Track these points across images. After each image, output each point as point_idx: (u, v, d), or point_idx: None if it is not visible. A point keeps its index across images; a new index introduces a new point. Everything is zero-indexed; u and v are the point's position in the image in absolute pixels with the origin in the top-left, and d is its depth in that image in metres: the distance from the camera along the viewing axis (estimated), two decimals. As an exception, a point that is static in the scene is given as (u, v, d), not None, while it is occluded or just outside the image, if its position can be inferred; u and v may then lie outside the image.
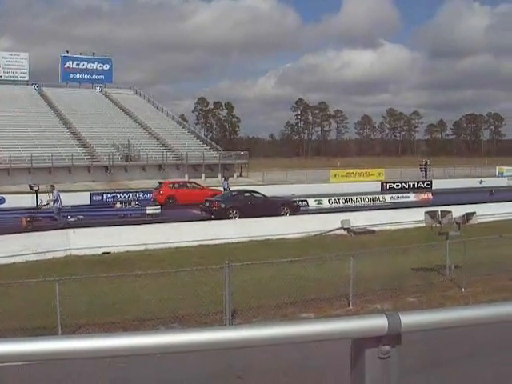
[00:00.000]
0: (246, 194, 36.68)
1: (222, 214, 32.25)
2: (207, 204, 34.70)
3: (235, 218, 32.22)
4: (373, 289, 16.67)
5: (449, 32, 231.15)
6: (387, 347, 1.57)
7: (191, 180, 49.35)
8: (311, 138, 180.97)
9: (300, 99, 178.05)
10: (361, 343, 1.57)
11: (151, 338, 1.48)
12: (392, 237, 26.51)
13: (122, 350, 1.46)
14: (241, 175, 67.68)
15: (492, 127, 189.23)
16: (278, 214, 32.82)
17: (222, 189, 42.28)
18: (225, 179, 42.39)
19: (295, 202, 38.06)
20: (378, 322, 1.55)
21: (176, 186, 45.10)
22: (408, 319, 1.56)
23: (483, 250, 20.35)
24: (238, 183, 57.94)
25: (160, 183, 44.97)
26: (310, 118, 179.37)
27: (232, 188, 42.02)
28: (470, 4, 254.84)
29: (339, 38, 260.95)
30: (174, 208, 38.42)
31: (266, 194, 37.07)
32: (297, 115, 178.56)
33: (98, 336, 1.48)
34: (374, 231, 28.55)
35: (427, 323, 1.59)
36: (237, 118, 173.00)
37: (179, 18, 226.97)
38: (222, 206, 33.78)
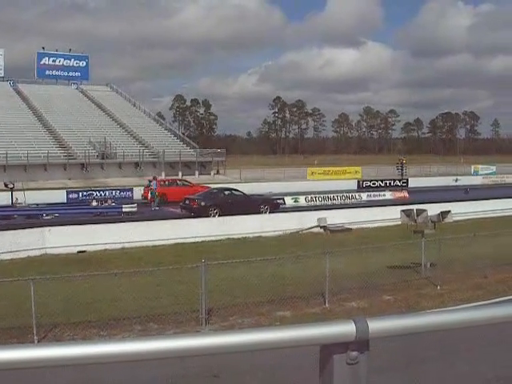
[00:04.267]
0: (226, 192, 36.62)
1: (201, 212, 32.16)
2: (187, 202, 34.58)
3: (215, 215, 32.15)
4: (349, 287, 16.74)
5: (431, 31, 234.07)
6: (355, 353, 1.58)
7: (181, 178, 49.00)
8: (288, 136, 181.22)
9: (278, 97, 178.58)
10: (329, 349, 1.58)
11: (124, 345, 1.48)
12: (368, 235, 26.65)
13: (95, 358, 1.46)
14: (218, 173, 67.59)
15: (468, 126, 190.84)
16: (257, 212, 32.93)
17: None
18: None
19: (275, 199, 38.09)
20: (345, 328, 1.55)
21: (167, 183, 45.10)
22: (376, 325, 1.57)
23: (458, 248, 20.54)
24: (215, 181, 57.84)
25: (150, 181, 44.09)
26: (288, 115, 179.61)
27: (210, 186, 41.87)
28: (452, 3, 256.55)
29: (322, 37, 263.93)
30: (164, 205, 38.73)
31: (245, 192, 37.01)
32: (274, 113, 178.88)
33: (70, 344, 1.47)
34: (350, 229, 28.67)
35: (395, 328, 1.60)
36: (214, 115, 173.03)
37: (163, 14, 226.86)
38: (202, 204, 33.64)
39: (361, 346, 1.57)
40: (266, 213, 33.89)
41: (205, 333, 1.77)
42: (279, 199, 39.74)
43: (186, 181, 47.66)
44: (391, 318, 1.62)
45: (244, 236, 26.09)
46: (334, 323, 1.57)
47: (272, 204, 36.44)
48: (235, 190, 37.35)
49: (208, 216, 31.53)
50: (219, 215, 31.76)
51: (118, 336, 13.00)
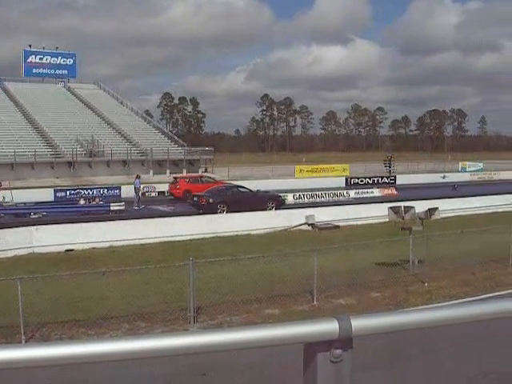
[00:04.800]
0: (234, 189, 37.35)
1: (210, 209, 32.57)
2: (195, 199, 35.06)
3: (223, 212, 32.67)
4: (337, 284, 16.79)
5: (419, 29, 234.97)
6: (339, 351, 1.58)
7: (204, 175, 49.66)
8: (276, 134, 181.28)
9: (265, 94, 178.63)
10: (313, 347, 1.58)
11: (111, 344, 1.47)
12: (356, 232, 26.72)
13: (83, 358, 1.45)
14: (206, 171, 67.53)
15: (455, 123, 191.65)
16: (264, 209, 33.37)
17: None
18: (137, 177, 41.06)
19: (280, 196, 38.38)
20: (329, 327, 1.55)
21: (191, 180, 46.00)
22: (359, 323, 1.57)
23: (446, 245, 20.62)
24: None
25: (175, 178, 46.10)
26: (276, 113, 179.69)
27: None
28: (440, 1, 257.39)
29: (311, 34, 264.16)
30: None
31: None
32: (262, 111, 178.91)
33: (57, 344, 1.47)
34: (338, 226, 28.72)
35: (378, 326, 1.61)
36: (202, 113, 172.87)
37: (152, 12, 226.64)
38: (211, 200, 34.16)
39: (344, 344, 1.57)
40: (272, 209, 34.23)
41: (188, 332, 1.78)
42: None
43: (210, 177, 48.79)
44: (374, 316, 1.63)
45: (232, 234, 26.07)
46: (318, 321, 1.57)
47: (278, 201, 36.96)
48: (241, 186, 38.35)
49: (216, 213, 31.92)
50: (227, 212, 32.26)
51: (105, 335, 12.97)
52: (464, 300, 15.55)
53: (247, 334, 1.53)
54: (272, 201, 36.47)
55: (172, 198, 41.83)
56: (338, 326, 1.55)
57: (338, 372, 1.59)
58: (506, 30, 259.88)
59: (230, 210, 31.78)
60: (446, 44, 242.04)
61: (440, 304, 14.98)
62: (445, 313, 1.72)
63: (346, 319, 1.57)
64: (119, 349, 1.47)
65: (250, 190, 37.47)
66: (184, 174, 55.34)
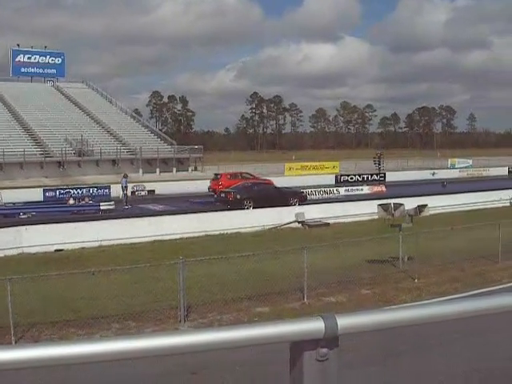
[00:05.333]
0: (259, 186, 39.09)
1: (237, 204, 33.82)
2: (223, 195, 36.66)
3: (249, 208, 33.89)
4: (327, 282, 16.81)
5: (408, 26, 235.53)
6: (325, 350, 1.58)
7: (243, 171, 50.39)
8: (266, 132, 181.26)
9: (255, 93, 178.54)
10: (299, 346, 1.58)
11: (101, 345, 1.47)
12: (346, 229, 26.76)
13: (73, 358, 1.45)
14: (195, 169, 67.50)
15: (444, 120, 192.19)
16: (287, 204, 34.21)
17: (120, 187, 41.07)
18: (124, 177, 40.89)
19: (303, 192, 39.43)
20: (314, 325, 1.55)
21: (232, 176, 46.71)
22: (345, 321, 1.57)
23: (435, 242, 20.72)
24: (192, 177, 57.84)
25: (217, 175, 48.10)
26: (265, 111, 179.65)
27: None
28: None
29: (300, 32, 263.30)
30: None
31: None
32: (251, 109, 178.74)
33: (46, 344, 1.46)
34: (328, 224, 28.76)
35: (364, 325, 1.61)
36: (191, 111, 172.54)
37: (141, 10, 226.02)
38: (238, 196, 35.52)
39: (330, 342, 1.57)
40: (295, 205, 34.75)
41: (173, 332, 1.77)
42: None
43: (249, 173, 49.58)
44: (360, 314, 1.63)
45: (222, 232, 26.07)
46: (303, 320, 1.57)
47: (300, 196, 37.98)
48: (266, 183, 40.77)
49: (243, 208, 33.04)
50: (253, 207, 33.51)
51: (96, 335, 12.94)
52: (454, 296, 15.62)
53: (233, 333, 1.53)
54: (295, 196, 37.58)
55: (213, 194, 41.74)
56: (323, 324, 1.55)
57: (324, 371, 1.59)
58: (495, 27, 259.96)
59: (256, 206, 33.01)
60: (435, 41, 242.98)
61: (428, 301, 15.04)
62: (432, 310, 1.72)
63: (331, 318, 1.56)
64: (110, 349, 1.46)
65: (275, 187, 39.32)
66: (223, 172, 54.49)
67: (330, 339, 1.56)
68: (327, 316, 1.57)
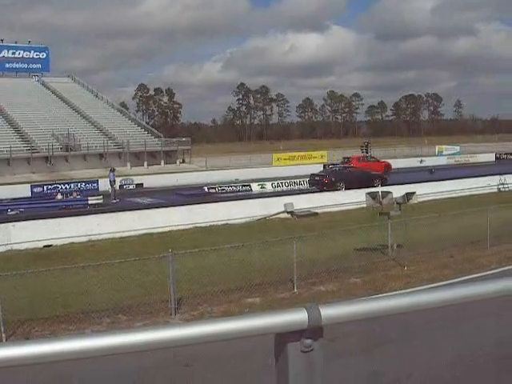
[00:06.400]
0: (347, 169, 43.27)
1: (332, 186, 37.84)
2: (317, 178, 40.79)
3: (342, 189, 37.45)
4: (317, 271, 16.84)
5: (395, 14, 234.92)
6: (309, 341, 1.58)
7: (366, 155, 56.94)
8: (253, 123, 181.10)
9: (242, 83, 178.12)
10: (283, 337, 1.57)
11: (93, 340, 1.47)
12: (335, 218, 26.82)
13: (66, 354, 1.44)
14: (183, 161, 67.37)
15: (431, 107, 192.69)
16: (372, 186, 36.82)
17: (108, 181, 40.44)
18: (111, 170, 40.64)
19: (383, 174, 44.38)
20: (298, 316, 1.55)
21: (362, 159, 53.30)
22: (328, 312, 1.56)
23: (424, 229, 20.79)
24: (180, 170, 57.78)
25: (346, 158, 55.31)
26: (252, 102, 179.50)
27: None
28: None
29: (287, 22, 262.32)
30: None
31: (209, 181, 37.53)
32: (238, 100, 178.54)
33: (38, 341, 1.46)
34: (316, 213, 28.80)
35: (348, 315, 1.61)
36: (178, 103, 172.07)
37: (127, 3, 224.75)
38: (333, 179, 39.52)
39: (314, 333, 1.57)
40: (378, 185, 37.50)
41: (158, 326, 1.75)
42: (245, 185, 42.70)
43: (374, 157, 56.23)
44: (343, 303, 1.62)
45: (212, 224, 26.04)
46: (287, 311, 1.56)
47: (383, 178, 41.98)
48: (353, 167, 45.19)
49: (337, 189, 36.95)
50: (345, 189, 36.77)
51: (87, 329, 12.93)
52: (443, 283, 15.70)
53: (215, 326, 1.52)
54: (378, 178, 41.46)
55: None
56: (307, 315, 1.54)
57: (309, 361, 1.59)
58: (481, 14, 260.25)
59: (347, 187, 36.56)
60: (421, 29, 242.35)
61: (413, 289, 15.12)
62: (415, 298, 1.72)
63: (314, 308, 1.56)
64: (103, 344, 1.46)
65: (361, 170, 43.50)
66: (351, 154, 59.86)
67: (314, 330, 1.56)
68: (310, 306, 1.57)
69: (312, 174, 42.01)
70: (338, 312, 1.59)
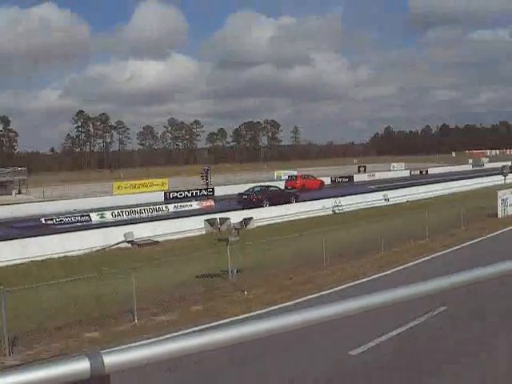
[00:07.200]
0: (270, 188, 49.82)
1: (259, 204, 42.12)
2: (245, 197, 45.60)
3: (266, 205, 41.95)
4: (158, 301, 16.65)
5: (235, 43, 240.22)
6: None
7: (307, 174, 71.79)
8: (93, 150, 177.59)
9: (81, 111, 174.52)
10: None
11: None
12: (176, 246, 26.77)
13: None
14: (19, 192, 64.63)
15: (270, 134, 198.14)
16: (289, 202, 44.14)
17: None
18: None
19: (296, 192, 50.75)
20: (79, 366, 1.47)
21: (304, 177, 67.77)
22: (112, 359, 1.50)
23: (263, 252, 21.24)
24: (17, 201, 55.50)
25: (290, 177, 69.55)
26: (92, 129, 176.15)
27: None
28: (256, 16, 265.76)
29: (129, 49, 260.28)
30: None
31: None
32: (77, 127, 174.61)
33: None
34: (157, 242, 28.62)
35: (133, 360, 1.54)
36: (14, 132, 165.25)
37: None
38: (259, 197, 44.98)
39: (100, 382, 1.50)
40: (294, 202, 44.70)
41: None
42: (84, 216, 41.63)
43: (312, 176, 69.74)
44: (129, 349, 1.56)
45: (49, 257, 25.02)
46: (68, 361, 1.48)
47: (296, 196, 47.87)
48: (273, 186, 51.97)
49: (262, 206, 40.87)
50: (269, 205, 41.28)
51: None
52: (283, 305, 16.05)
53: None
54: (293, 196, 47.96)
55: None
56: (89, 364, 1.47)
57: None
58: (315, 44, 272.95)
59: (270, 204, 41.58)
60: (260, 57, 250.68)
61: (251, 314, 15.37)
62: (204, 338, 1.67)
63: (97, 355, 1.49)
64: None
65: (280, 188, 52.11)
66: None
67: (99, 379, 1.49)
68: (92, 354, 1.49)
69: (240, 194, 47.03)
70: (122, 358, 1.52)
